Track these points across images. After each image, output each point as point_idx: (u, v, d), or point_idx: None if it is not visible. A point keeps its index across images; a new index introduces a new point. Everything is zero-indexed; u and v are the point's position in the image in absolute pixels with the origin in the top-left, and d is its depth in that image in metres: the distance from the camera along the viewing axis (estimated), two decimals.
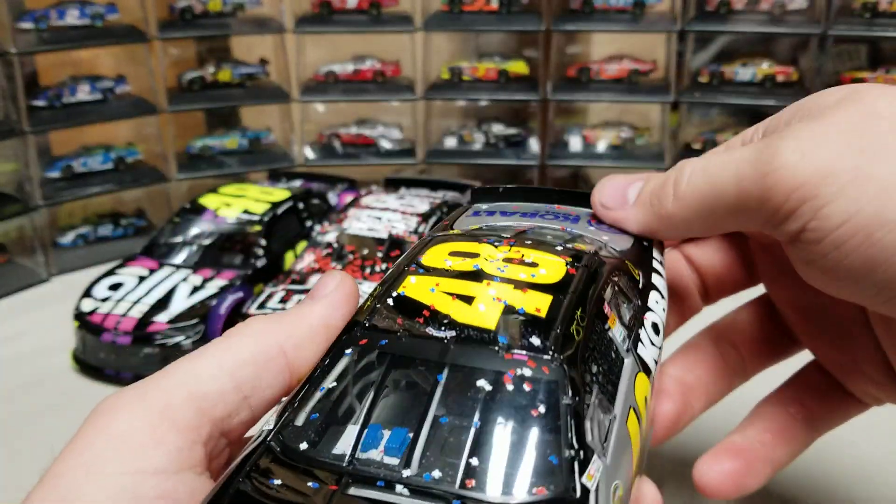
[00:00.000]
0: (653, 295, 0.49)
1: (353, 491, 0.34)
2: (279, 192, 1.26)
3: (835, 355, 0.57)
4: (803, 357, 0.60)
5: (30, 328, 1.18)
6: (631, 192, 0.55)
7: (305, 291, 1.03)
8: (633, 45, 1.53)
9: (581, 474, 0.34)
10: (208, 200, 1.22)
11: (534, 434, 0.35)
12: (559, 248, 0.46)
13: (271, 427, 0.40)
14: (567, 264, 0.44)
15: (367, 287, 1.05)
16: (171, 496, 0.39)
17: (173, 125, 1.49)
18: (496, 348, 0.38)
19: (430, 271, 0.45)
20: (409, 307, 0.42)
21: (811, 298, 0.53)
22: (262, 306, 1.01)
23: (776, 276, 0.58)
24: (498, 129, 1.56)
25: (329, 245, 1.14)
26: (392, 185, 1.39)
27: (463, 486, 0.33)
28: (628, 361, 0.42)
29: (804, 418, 0.57)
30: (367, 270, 1.09)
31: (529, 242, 0.47)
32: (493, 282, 0.43)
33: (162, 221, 1.22)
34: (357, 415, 0.38)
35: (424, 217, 1.16)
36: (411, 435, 0.36)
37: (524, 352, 0.38)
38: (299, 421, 0.39)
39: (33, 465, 0.86)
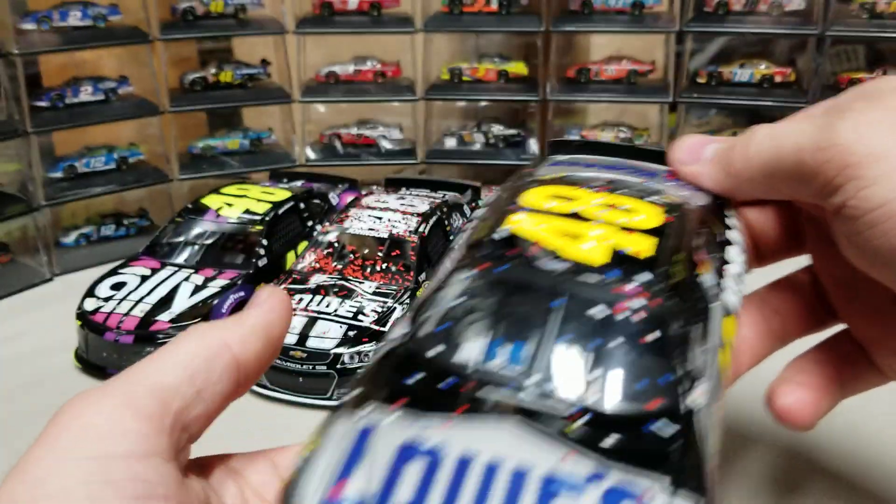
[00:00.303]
0: (733, 248, 0.52)
1: (483, 391, 0.38)
2: (280, 192, 1.27)
3: (866, 330, 0.59)
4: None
5: (32, 327, 1.19)
6: (707, 150, 0.57)
7: (307, 291, 1.04)
8: (632, 45, 1.54)
9: (689, 394, 0.39)
10: (210, 200, 1.23)
11: (646, 357, 0.39)
12: (652, 197, 0.51)
13: (406, 331, 0.43)
14: (664, 212, 0.48)
15: (368, 286, 1.06)
16: (141, 478, 0.41)
17: (175, 126, 1.49)
18: (608, 281, 0.42)
19: (532, 211, 0.49)
20: (514, 242, 0.46)
21: (850, 273, 0.54)
22: None
23: (821, 249, 0.60)
24: (498, 129, 1.57)
25: (330, 245, 1.14)
26: (392, 185, 1.40)
27: (584, 392, 0.37)
28: (716, 305, 0.46)
29: (834, 380, 0.59)
30: (368, 270, 1.10)
31: (625, 190, 0.52)
32: (596, 223, 0.47)
33: (164, 221, 1.23)
34: (480, 330, 0.42)
35: (425, 217, 1.17)
36: (532, 351, 0.40)
37: (635, 285, 0.42)
38: (425, 331, 0.42)
39: None
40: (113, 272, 1.12)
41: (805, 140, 0.50)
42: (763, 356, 0.61)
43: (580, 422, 0.37)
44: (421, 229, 1.14)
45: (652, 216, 0.48)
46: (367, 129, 1.59)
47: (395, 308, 1.01)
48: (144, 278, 1.09)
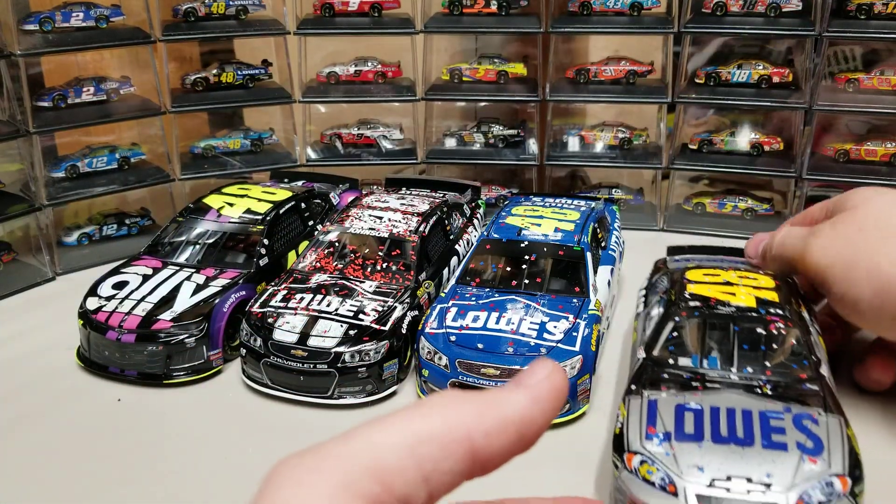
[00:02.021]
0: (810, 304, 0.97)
1: (708, 378, 0.80)
2: (281, 192, 1.28)
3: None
4: None
5: (35, 326, 1.20)
6: (760, 247, 1.02)
7: (307, 290, 1.05)
8: (631, 46, 1.54)
9: (820, 368, 0.81)
10: (211, 200, 1.24)
11: (792, 350, 0.83)
12: (757, 272, 0.98)
13: (642, 355, 0.85)
14: (773, 279, 0.95)
15: (368, 285, 1.07)
16: None
17: (177, 126, 1.50)
18: (760, 314, 0.87)
19: (698, 283, 0.93)
20: (700, 297, 0.90)
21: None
22: (264, 304, 1.03)
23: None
24: (497, 129, 1.57)
25: (331, 244, 1.15)
26: (393, 184, 1.40)
27: (764, 372, 0.80)
28: (813, 330, 0.90)
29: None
30: (369, 269, 1.10)
31: (742, 268, 0.99)
32: (739, 286, 0.92)
33: (166, 221, 1.24)
34: (691, 348, 0.85)
35: (425, 217, 1.18)
36: (727, 356, 0.83)
37: (776, 315, 0.87)
38: (657, 352, 0.85)
39: (37, 462, 0.89)
40: (115, 271, 1.12)
41: (796, 253, 0.94)
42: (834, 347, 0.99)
43: (768, 387, 0.79)
44: (421, 229, 1.15)
45: (768, 280, 0.95)
46: (368, 130, 1.59)
47: (395, 307, 1.02)
48: (146, 277, 1.10)
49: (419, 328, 1.00)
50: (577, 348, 0.93)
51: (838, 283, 0.88)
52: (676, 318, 0.87)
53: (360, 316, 1.00)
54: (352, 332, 0.97)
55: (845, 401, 0.81)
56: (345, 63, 1.56)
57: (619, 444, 0.74)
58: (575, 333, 0.95)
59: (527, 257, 1.08)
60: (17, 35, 1.30)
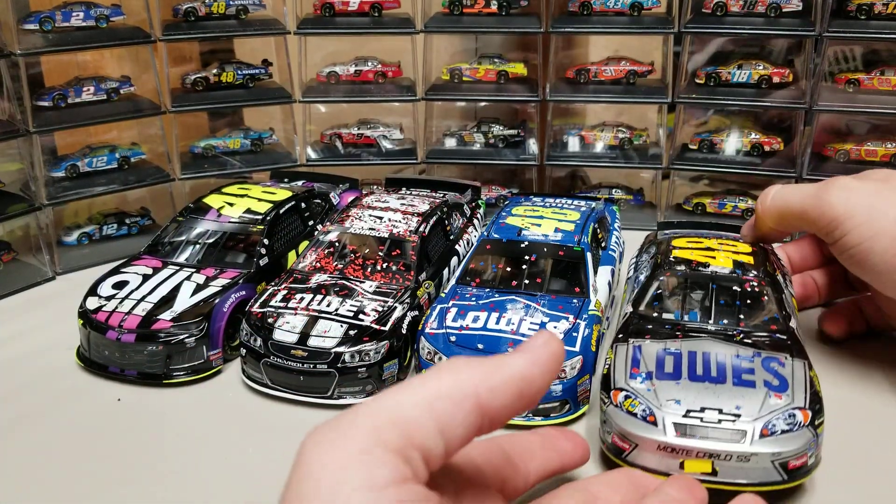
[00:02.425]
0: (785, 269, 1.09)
1: (687, 328, 0.90)
2: (281, 192, 1.28)
3: (871, 299, 1.07)
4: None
5: (35, 326, 1.20)
6: (760, 197, 1.05)
7: (308, 290, 1.05)
8: (631, 46, 1.54)
9: (790, 321, 0.91)
10: (212, 200, 1.24)
11: (764, 306, 0.94)
12: (740, 241, 1.08)
13: (629, 310, 0.96)
14: (751, 247, 1.06)
15: (368, 286, 1.07)
16: (406, 500, 0.45)
17: (177, 125, 1.50)
18: (737, 275, 0.97)
19: (683, 249, 1.04)
20: (684, 261, 1.01)
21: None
22: (264, 304, 1.03)
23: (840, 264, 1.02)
24: (497, 129, 1.57)
25: (331, 244, 1.15)
26: (393, 184, 1.40)
27: (738, 324, 0.91)
28: (787, 285, 1.02)
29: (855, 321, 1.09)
30: (369, 269, 1.10)
31: (724, 237, 1.10)
32: (719, 251, 1.03)
33: (166, 221, 1.24)
34: (674, 304, 0.96)
35: (425, 217, 1.18)
36: (705, 309, 0.93)
37: (752, 276, 0.97)
38: (643, 308, 0.96)
39: (37, 461, 0.89)
40: (115, 271, 1.12)
41: (808, 197, 0.95)
42: (803, 306, 1.11)
43: (741, 336, 0.88)
44: (421, 229, 1.15)
45: (745, 247, 1.05)
46: (368, 129, 1.59)
47: (395, 307, 1.02)
48: (146, 277, 1.09)
49: (419, 328, 1.00)
50: (577, 349, 0.93)
51: (857, 230, 0.89)
52: (661, 278, 0.98)
53: (360, 316, 1.00)
54: (352, 333, 0.97)
55: (811, 349, 0.93)
56: (345, 63, 1.56)
57: (606, 383, 0.84)
58: (575, 334, 0.95)
59: (527, 257, 1.08)
60: (17, 34, 1.30)
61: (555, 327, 0.96)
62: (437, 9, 1.51)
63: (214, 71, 1.52)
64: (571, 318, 0.98)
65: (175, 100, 1.48)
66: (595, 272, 1.07)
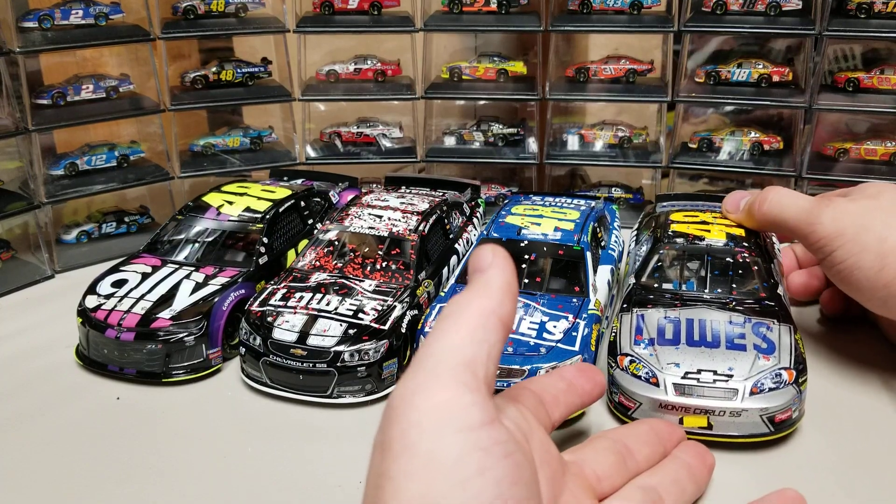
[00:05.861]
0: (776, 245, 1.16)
1: (686, 297, 0.99)
2: (281, 191, 1.28)
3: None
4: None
5: (34, 324, 1.19)
6: (742, 203, 1.09)
7: (307, 289, 1.05)
8: (631, 45, 1.54)
9: (777, 289, 1.00)
10: (211, 198, 1.24)
11: (753, 274, 1.02)
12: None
13: (632, 282, 1.03)
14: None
15: (368, 284, 1.07)
16: (500, 440, 0.51)
17: (176, 124, 1.50)
18: (730, 247, 1.05)
19: (680, 223, 1.10)
20: (681, 234, 1.08)
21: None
22: (264, 303, 1.03)
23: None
24: (497, 128, 1.57)
25: (330, 243, 1.15)
26: (392, 183, 1.40)
27: (731, 293, 0.99)
28: (775, 260, 1.08)
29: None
30: (368, 268, 1.10)
31: (718, 211, 1.14)
32: (713, 224, 1.09)
33: (165, 219, 1.24)
34: (672, 275, 1.04)
35: (425, 215, 1.18)
36: (701, 279, 1.02)
37: (743, 247, 1.04)
38: (645, 279, 1.04)
39: (36, 460, 0.89)
40: (114, 269, 1.12)
41: (802, 214, 0.97)
42: (807, 296, 1.18)
43: (734, 304, 0.97)
44: (421, 228, 1.15)
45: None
46: (368, 128, 1.59)
47: (395, 306, 1.02)
48: (145, 276, 1.09)
49: (419, 327, 1.00)
50: (576, 348, 0.93)
51: (845, 247, 0.93)
52: (661, 251, 1.07)
53: (360, 315, 1.00)
54: (351, 332, 0.97)
55: (797, 316, 1.05)
56: (344, 61, 1.56)
57: (613, 349, 0.94)
58: (574, 333, 0.95)
59: (526, 257, 1.08)
60: (15, 32, 1.30)
61: (554, 326, 0.96)
62: (436, 7, 1.51)
63: (214, 69, 1.52)
64: (571, 317, 0.98)
65: (174, 98, 1.48)
66: (595, 271, 1.07)
